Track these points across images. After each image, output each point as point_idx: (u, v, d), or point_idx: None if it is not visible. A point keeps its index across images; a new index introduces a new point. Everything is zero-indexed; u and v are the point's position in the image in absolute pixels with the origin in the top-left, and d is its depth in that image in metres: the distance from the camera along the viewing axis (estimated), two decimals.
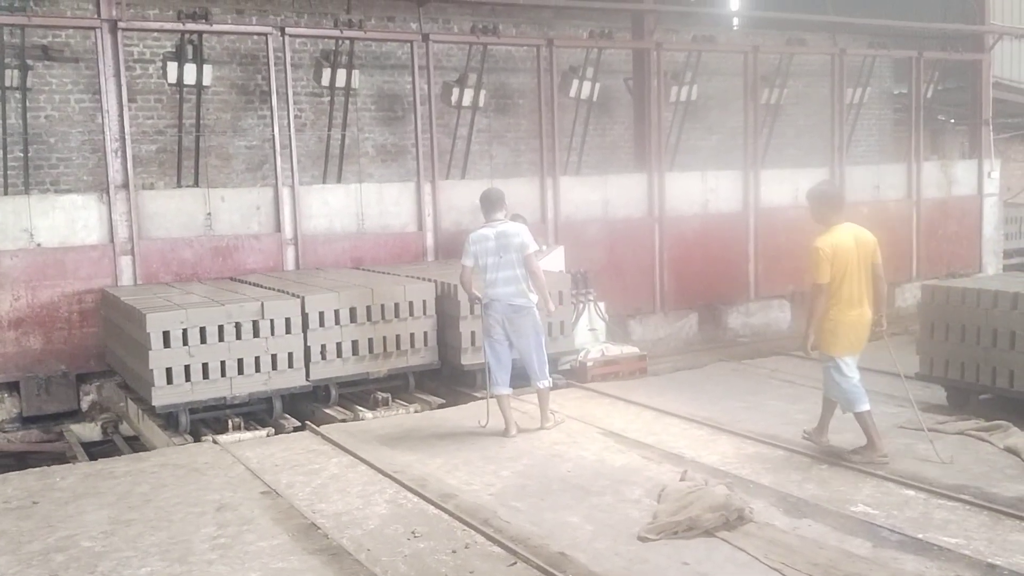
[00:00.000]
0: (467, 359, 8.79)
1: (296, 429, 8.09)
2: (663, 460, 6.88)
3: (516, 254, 7.50)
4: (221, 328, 7.86)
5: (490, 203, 7.70)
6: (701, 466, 6.67)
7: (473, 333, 8.74)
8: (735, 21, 17.90)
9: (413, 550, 5.36)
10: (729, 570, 4.99)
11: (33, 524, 5.96)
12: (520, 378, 7.92)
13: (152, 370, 7.62)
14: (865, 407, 6.73)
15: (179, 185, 11.49)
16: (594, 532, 5.55)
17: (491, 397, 7.77)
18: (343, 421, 8.24)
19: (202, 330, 7.78)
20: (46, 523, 5.97)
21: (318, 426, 8.06)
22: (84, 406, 9.55)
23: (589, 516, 5.80)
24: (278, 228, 10.27)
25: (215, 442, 7.65)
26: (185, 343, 7.71)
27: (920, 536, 5.36)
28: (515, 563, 5.13)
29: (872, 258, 6.83)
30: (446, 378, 9.18)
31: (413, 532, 5.61)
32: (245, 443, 7.63)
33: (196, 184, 11.30)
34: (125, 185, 9.56)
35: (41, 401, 9.23)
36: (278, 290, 8.68)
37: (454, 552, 5.31)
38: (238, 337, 7.93)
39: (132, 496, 6.44)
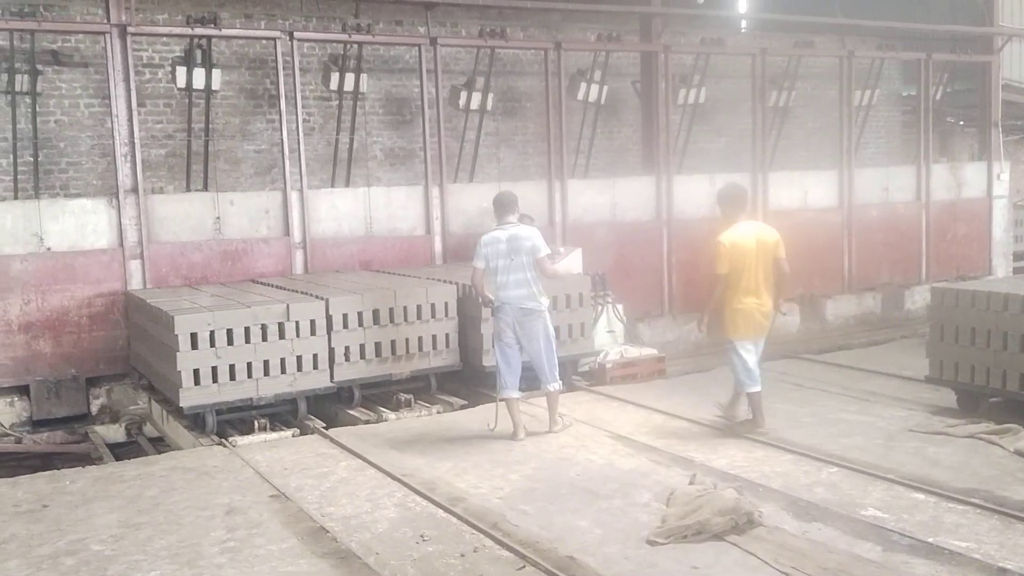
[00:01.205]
0: (488, 360, 8.81)
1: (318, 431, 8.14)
2: (672, 464, 6.87)
3: (527, 257, 7.52)
4: (247, 330, 7.92)
5: (502, 206, 7.73)
6: (710, 470, 6.65)
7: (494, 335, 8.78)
8: (743, 23, 17.87)
9: (422, 554, 5.36)
10: (738, 574, 4.98)
11: (43, 527, 5.98)
12: (529, 380, 7.93)
13: (180, 371, 7.68)
14: (754, 389, 7.54)
15: (188, 189, 11.52)
16: (603, 536, 5.54)
17: (500, 400, 7.78)
18: (366, 423, 8.28)
19: (229, 332, 7.85)
20: (56, 526, 5.99)
21: (337, 428, 8.11)
22: (94, 409, 9.58)
23: (598, 520, 5.80)
24: (287, 232, 10.29)
25: (224, 445, 7.68)
26: (212, 345, 7.78)
27: (930, 540, 5.34)
28: (524, 567, 5.13)
29: (774, 253, 7.51)
30: (467, 379, 9.23)
31: (422, 536, 5.61)
32: (255, 446, 7.66)
33: (205, 188, 11.33)
34: (134, 189, 9.59)
35: (51, 405, 9.27)
36: (301, 292, 8.73)
37: (463, 556, 5.31)
38: (264, 339, 8.00)
39: (142, 499, 6.46)
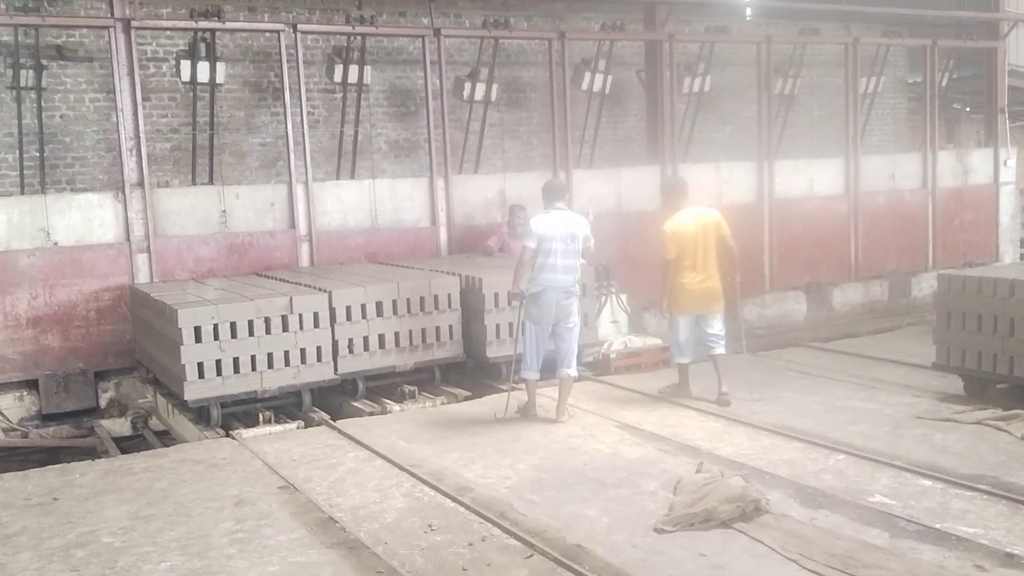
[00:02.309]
0: (492, 352, 8.87)
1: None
2: (679, 452, 6.88)
3: (580, 244, 7.83)
4: (251, 323, 7.95)
5: (553, 192, 7.95)
6: (717, 458, 6.67)
7: (498, 326, 8.86)
8: (748, 11, 17.75)
9: (430, 543, 5.38)
10: (746, 561, 5.00)
11: (54, 520, 6.02)
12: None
13: (184, 365, 7.70)
14: (684, 360, 8.43)
15: (194, 183, 11.53)
16: (610, 524, 5.56)
17: (520, 381, 8.00)
18: (370, 414, 8.30)
19: (232, 325, 7.86)
20: (66, 519, 6.03)
21: (345, 419, 8.14)
22: (103, 403, 9.62)
23: (605, 508, 5.81)
24: (292, 225, 10.31)
25: (233, 437, 7.71)
26: (216, 338, 7.81)
27: (938, 526, 5.35)
28: (532, 555, 5.15)
29: (716, 232, 8.20)
30: (471, 371, 9.25)
31: (430, 525, 5.64)
32: (263, 438, 7.69)
33: (211, 182, 11.35)
34: (140, 183, 9.62)
35: (60, 399, 9.31)
36: (306, 285, 8.75)
37: (471, 545, 5.33)
38: (267, 332, 8.02)
39: (151, 492, 6.49)
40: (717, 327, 8.31)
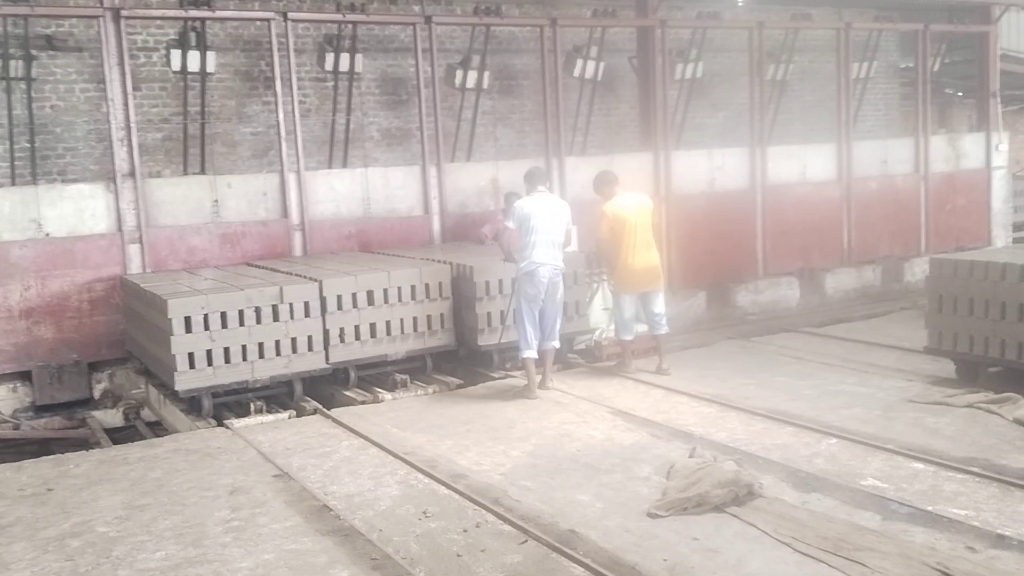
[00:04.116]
0: (484, 340, 8.88)
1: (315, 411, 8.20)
2: (672, 438, 6.91)
3: (564, 225, 8.27)
4: (241, 313, 7.94)
5: (535, 177, 8.50)
6: (710, 443, 6.69)
7: (489, 314, 8.87)
8: None
9: (424, 530, 5.40)
10: (739, 545, 5.02)
11: (48, 510, 6.02)
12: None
13: (174, 355, 7.69)
14: (627, 337, 9.00)
15: (185, 173, 11.51)
16: (604, 510, 5.58)
17: (516, 368, 8.51)
18: (362, 403, 8.31)
19: (223, 315, 7.85)
20: (61, 509, 6.03)
21: (338, 408, 8.16)
22: (96, 394, 9.61)
23: (599, 494, 5.84)
24: (285, 214, 10.29)
25: (227, 427, 7.71)
26: (206, 328, 7.79)
27: (929, 508, 5.38)
28: (526, 541, 5.17)
29: (653, 219, 8.95)
30: (463, 359, 9.27)
31: (424, 512, 5.65)
32: (257, 427, 7.69)
33: (202, 171, 11.32)
34: (132, 173, 9.58)
35: (54, 390, 9.29)
36: (295, 274, 8.74)
37: (465, 531, 5.35)
38: (258, 321, 8.01)
39: (146, 481, 6.50)
40: (660, 307, 8.93)
